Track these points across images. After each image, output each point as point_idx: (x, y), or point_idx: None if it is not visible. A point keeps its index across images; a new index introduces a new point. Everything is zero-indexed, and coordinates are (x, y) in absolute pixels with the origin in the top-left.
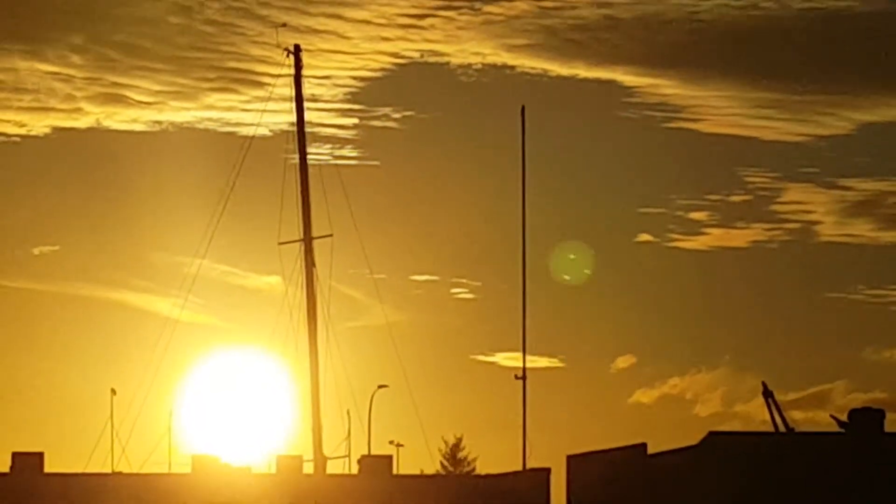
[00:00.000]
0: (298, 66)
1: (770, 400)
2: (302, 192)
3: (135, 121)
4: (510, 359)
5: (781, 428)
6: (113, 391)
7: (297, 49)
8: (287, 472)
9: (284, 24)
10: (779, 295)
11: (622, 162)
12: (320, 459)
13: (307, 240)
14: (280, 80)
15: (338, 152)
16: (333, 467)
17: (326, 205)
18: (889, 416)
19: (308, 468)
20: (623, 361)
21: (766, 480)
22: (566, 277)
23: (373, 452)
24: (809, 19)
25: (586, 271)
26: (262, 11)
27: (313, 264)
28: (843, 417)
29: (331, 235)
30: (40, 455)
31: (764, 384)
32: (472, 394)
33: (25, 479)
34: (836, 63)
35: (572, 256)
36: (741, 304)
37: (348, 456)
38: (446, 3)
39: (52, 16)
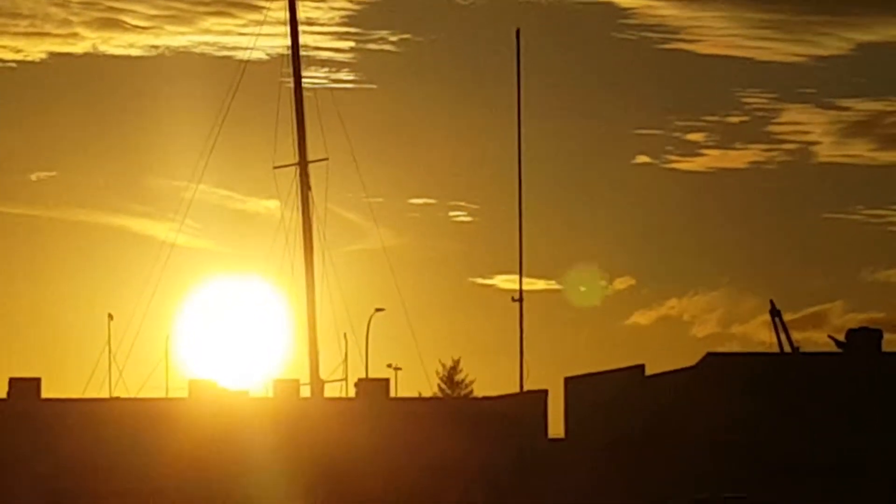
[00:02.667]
0: None
1: (777, 319)
2: (297, 115)
3: (131, 45)
4: (508, 281)
5: (787, 347)
6: (110, 316)
7: None
8: (284, 395)
9: None
10: (777, 216)
11: (619, 84)
12: (317, 383)
13: (302, 164)
14: (276, 4)
15: (334, 76)
16: (330, 391)
17: (321, 128)
18: (886, 336)
19: (305, 392)
20: (621, 283)
21: (764, 401)
22: (582, 289)
23: (370, 376)
24: None
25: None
26: None
27: (309, 188)
28: (841, 338)
29: (326, 159)
30: (37, 380)
31: (772, 302)
32: (470, 317)
33: (22, 404)
34: None
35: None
36: (739, 226)
37: (345, 380)
38: None
39: None
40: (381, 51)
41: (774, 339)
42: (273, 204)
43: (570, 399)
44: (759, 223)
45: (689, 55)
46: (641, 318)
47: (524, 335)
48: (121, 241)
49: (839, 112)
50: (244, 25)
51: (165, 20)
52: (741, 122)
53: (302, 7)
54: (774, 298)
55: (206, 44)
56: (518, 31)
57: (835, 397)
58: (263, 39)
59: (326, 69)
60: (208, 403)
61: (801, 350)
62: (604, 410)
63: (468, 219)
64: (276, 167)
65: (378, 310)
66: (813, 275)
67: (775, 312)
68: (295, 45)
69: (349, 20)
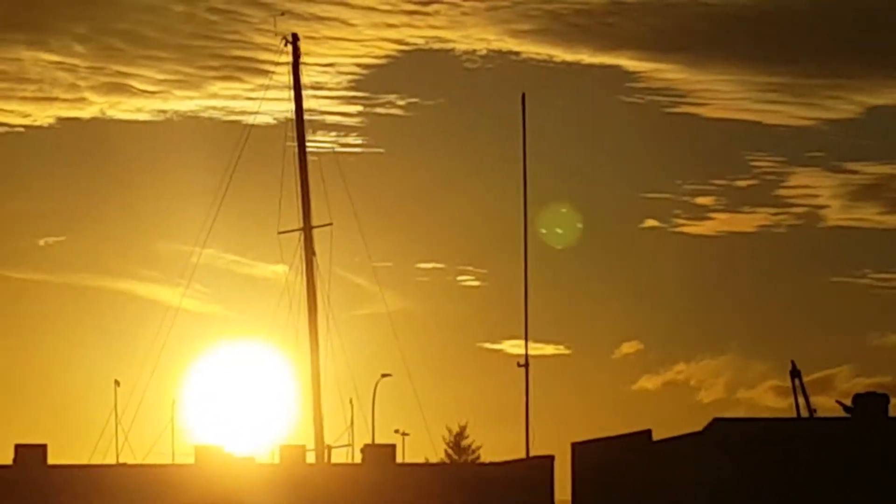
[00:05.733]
0: (297, 54)
1: (797, 380)
2: (301, 180)
3: (139, 110)
4: (516, 346)
5: (804, 410)
6: (117, 383)
7: (295, 38)
8: (290, 461)
9: (283, 13)
10: (785, 280)
11: (627, 147)
12: (322, 449)
13: (307, 229)
14: (282, 69)
15: (342, 140)
16: (337, 457)
17: (325, 193)
18: (894, 400)
19: (311, 458)
20: (628, 347)
21: (771, 466)
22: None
23: (377, 441)
24: (814, 2)
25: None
26: None
27: (313, 253)
28: (848, 402)
29: (330, 224)
30: (44, 447)
31: (793, 363)
32: (477, 382)
33: (29, 471)
34: (842, 46)
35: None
36: (747, 290)
37: (351, 445)
38: None
39: (56, 5)
40: (389, 115)
41: (791, 402)
42: (280, 269)
43: (577, 464)
44: (767, 287)
45: (697, 119)
46: (648, 382)
47: (531, 400)
48: (127, 305)
49: (848, 175)
50: (252, 90)
51: (173, 85)
52: (749, 185)
53: (309, 71)
54: (782, 363)
55: (214, 108)
56: (524, 96)
57: (842, 462)
58: (270, 104)
59: (334, 133)
60: (215, 469)
61: (817, 414)
62: (611, 475)
63: (476, 283)
64: (280, 232)
65: (384, 375)
66: (820, 339)
67: (795, 373)
68: (298, 109)
69: (357, 84)
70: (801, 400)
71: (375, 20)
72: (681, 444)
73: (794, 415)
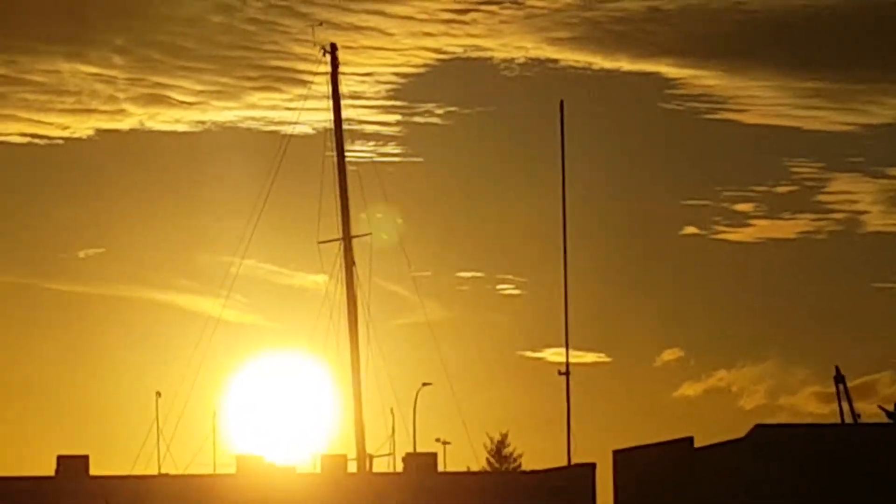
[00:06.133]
0: (335, 64)
1: (841, 385)
2: (340, 190)
3: (178, 121)
4: (557, 354)
5: (847, 415)
6: (158, 394)
7: (334, 48)
8: (331, 470)
9: (321, 23)
10: (826, 286)
11: (666, 154)
12: (363, 458)
13: (346, 238)
14: (320, 78)
15: (381, 150)
16: (378, 466)
17: (364, 202)
18: None
19: (352, 467)
20: (669, 355)
21: (814, 472)
22: None
23: (418, 450)
24: (853, 6)
25: None
26: (304, 9)
27: (353, 263)
28: (891, 408)
29: (369, 234)
30: (85, 458)
31: (837, 368)
32: (518, 390)
33: (71, 481)
34: (880, 51)
35: None
36: (788, 296)
37: (392, 454)
38: None
39: (94, 17)
40: (427, 124)
41: (832, 408)
42: (321, 278)
43: (619, 472)
44: (807, 293)
45: (737, 125)
46: (689, 389)
47: (572, 408)
48: (168, 316)
49: (888, 181)
50: (290, 100)
51: (212, 95)
52: (789, 191)
53: (347, 81)
54: (823, 369)
55: (253, 118)
56: (562, 103)
57: (885, 468)
58: (309, 114)
59: (373, 143)
60: (256, 479)
61: (861, 419)
62: (653, 483)
63: (516, 292)
64: (320, 242)
65: (425, 384)
66: (862, 345)
67: (839, 379)
68: (337, 118)
69: (395, 93)
70: (846, 405)
71: (413, 29)
72: (723, 451)
73: (837, 420)
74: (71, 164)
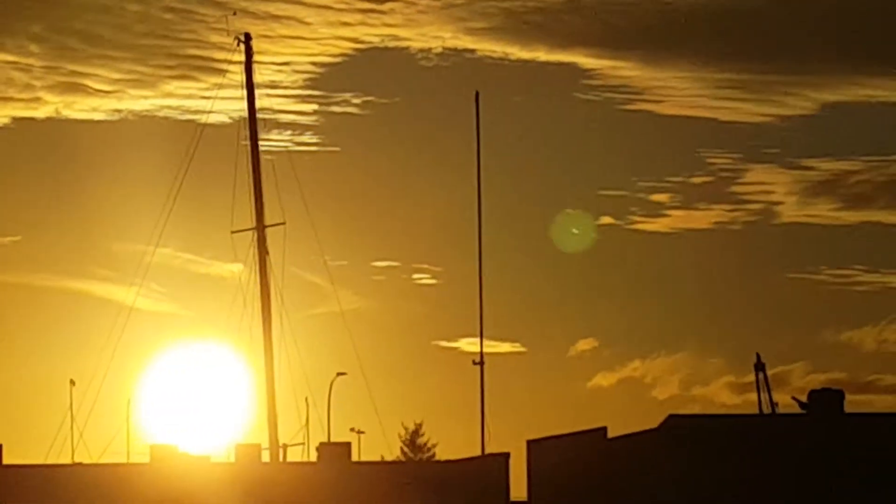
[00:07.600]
0: (249, 53)
1: (761, 374)
2: (254, 179)
3: (94, 110)
4: (472, 344)
5: (766, 404)
6: (72, 382)
7: (248, 37)
8: (245, 460)
9: (235, 13)
10: (741, 276)
11: (582, 145)
12: (276, 447)
13: (259, 228)
14: (236, 67)
15: (298, 139)
16: (293, 455)
17: (279, 192)
18: (848, 397)
19: (266, 456)
20: (584, 345)
21: (727, 462)
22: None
23: (332, 440)
24: None
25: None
26: None
27: (266, 252)
28: (803, 398)
29: (283, 223)
30: None
31: (758, 356)
32: (432, 380)
33: None
34: (797, 43)
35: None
36: (703, 287)
37: (305, 444)
38: None
39: (10, 5)
40: (345, 113)
41: (745, 399)
42: (237, 268)
43: (533, 462)
44: (722, 284)
45: (653, 116)
46: (604, 379)
47: (486, 398)
48: (83, 305)
49: (803, 172)
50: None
51: (129, 84)
52: (705, 182)
53: (264, 70)
54: (738, 360)
55: (169, 107)
56: (477, 94)
57: (797, 459)
58: (226, 103)
59: (289, 132)
60: (170, 469)
61: (778, 410)
62: (566, 473)
63: (431, 281)
64: (233, 231)
65: (340, 374)
66: (776, 335)
67: (759, 367)
68: (251, 108)
69: (312, 83)
70: (765, 396)
71: (330, 18)
72: (636, 441)
73: (753, 410)
74: None
